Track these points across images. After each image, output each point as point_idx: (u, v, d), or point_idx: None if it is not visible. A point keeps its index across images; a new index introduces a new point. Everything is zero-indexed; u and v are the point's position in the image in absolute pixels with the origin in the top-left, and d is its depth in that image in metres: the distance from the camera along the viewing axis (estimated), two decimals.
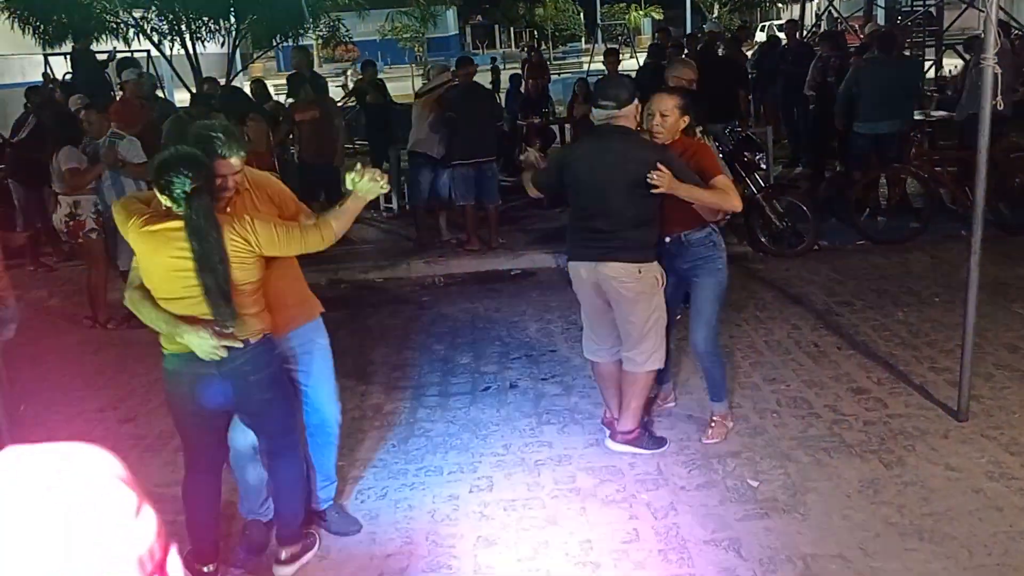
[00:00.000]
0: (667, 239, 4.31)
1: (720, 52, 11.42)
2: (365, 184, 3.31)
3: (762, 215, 7.73)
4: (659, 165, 3.89)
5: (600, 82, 4.69)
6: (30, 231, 8.46)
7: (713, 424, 4.54)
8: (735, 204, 4.13)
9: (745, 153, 7.82)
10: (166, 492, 4.06)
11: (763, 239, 7.79)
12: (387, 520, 3.98)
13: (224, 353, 3.13)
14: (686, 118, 4.24)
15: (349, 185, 3.34)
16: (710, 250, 4.35)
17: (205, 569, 3.50)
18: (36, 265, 8.65)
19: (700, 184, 4.05)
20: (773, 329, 6.05)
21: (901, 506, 3.82)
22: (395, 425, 4.97)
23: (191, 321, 3.11)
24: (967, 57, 9.82)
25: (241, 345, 3.17)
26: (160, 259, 3.08)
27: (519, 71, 14.24)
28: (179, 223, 3.00)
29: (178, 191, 2.94)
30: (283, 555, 3.62)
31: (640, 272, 4.10)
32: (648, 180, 3.88)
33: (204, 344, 3.09)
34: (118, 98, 9.23)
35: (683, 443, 4.50)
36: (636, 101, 4.12)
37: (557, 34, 45.61)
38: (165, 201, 3.00)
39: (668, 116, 4.19)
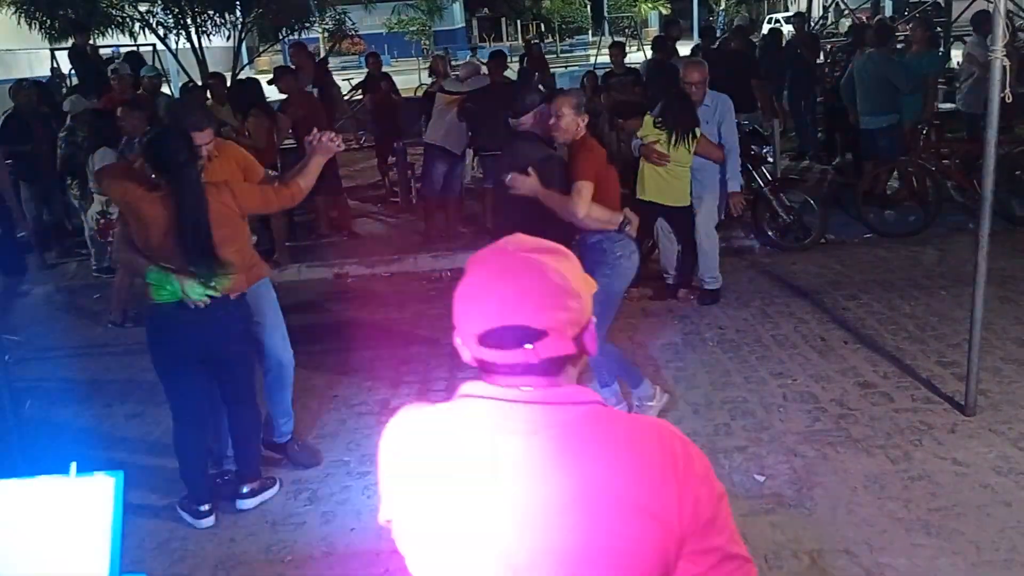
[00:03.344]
0: (574, 240, 4.38)
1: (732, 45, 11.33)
2: (322, 145, 3.86)
3: (769, 209, 7.70)
4: (530, 169, 4.08)
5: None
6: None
7: (639, 408, 4.60)
8: (571, 210, 4.14)
9: (752, 147, 7.80)
10: (175, 489, 4.10)
11: (770, 232, 7.76)
12: None
13: (207, 300, 3.62)
14: (584, 117, 4.26)
15: (308, 148, 3.92)
16: (599, 256, 4.35)
17: (201, 508, 3.96)
18: (40, 262, 8.62)
19: (563, 187, 4.19)
20: (779, 323, 6.03)
21: (908, 501, 3.81)
22: None
23: (180, 271, 3.59)
24: (968, 40, 9.73)
25: (219, 295, 3.66)
26: (157, 220, 3.54)
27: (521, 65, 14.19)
28: (168, 191, 3.53)
29: (166, 163, 3.50)
30: (245, 489, 4.11)
31: None
32: (506, 182, 4.09)
33: (194, 288, 3.58)
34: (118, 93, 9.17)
35: (688, 436, 4.48)
36: (538, 107, 4.35)
37: (564, 27, 45.51)
38: (154, 172, 3.53)
39: (563, 117, 4.24)
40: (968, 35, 12.97)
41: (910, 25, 10.72)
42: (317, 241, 8.81)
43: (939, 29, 14.53)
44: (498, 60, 8.67)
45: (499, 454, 1.26)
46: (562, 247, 1.35)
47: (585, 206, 4.12)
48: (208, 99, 8.89)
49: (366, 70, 11.82)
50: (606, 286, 4.38)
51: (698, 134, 6.00)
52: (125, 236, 3.74)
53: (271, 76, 8.72)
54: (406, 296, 7.38)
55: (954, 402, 4.65)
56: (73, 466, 1.51)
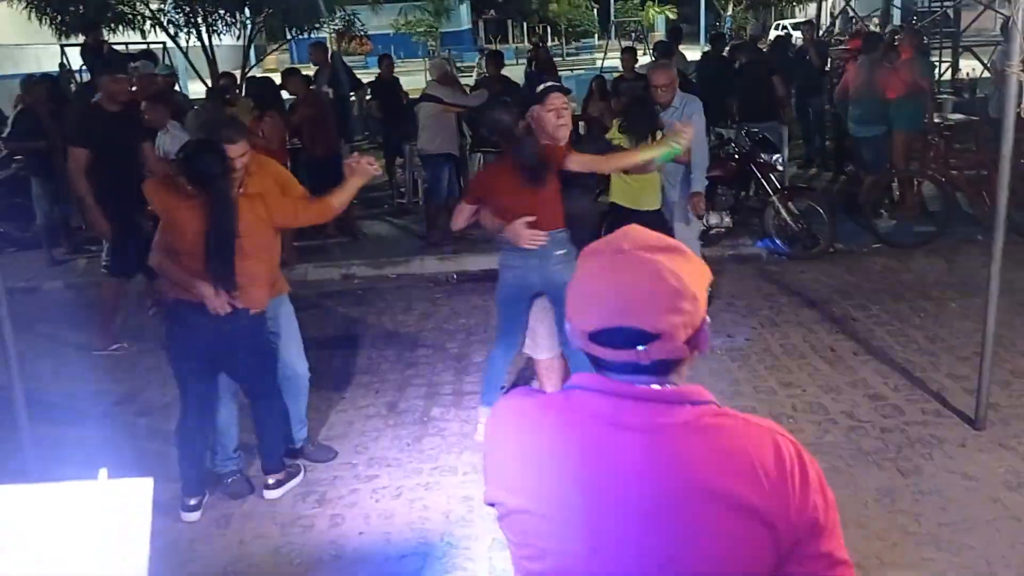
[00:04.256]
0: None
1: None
2: (362, 168, 4.01)
3: (777, 217, 7.70)
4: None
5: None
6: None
7: None
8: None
9: (761, 154, 7.80)
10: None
11: (778, 240, 7.75)
12: (402, 520, 3.98)
13: (228, 309, 3.76)
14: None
15: (346, 171, 4.07)
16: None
17: (190, 502, 4.06)
18: (49, 258, 8.62)
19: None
20: (788, 332, 6.02)
21: (918, 515, 3.81)
22: (409, 423, 4.97)
23: (203, 278, 3.76)
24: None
25: (241, 307, 3.81)
26: (190, 228, 3.73)
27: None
28: (203, 201, 3.70)
29: (201, 175, 3.67)
30: (271, 480, 4.23)
31: None
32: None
33: (215, 299, 3.73)
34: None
35: None
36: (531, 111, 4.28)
37: (570, 30, 45.51)
38: (189, 184, 3.70)
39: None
40: (976, 45, 13.01)
41: (898, 34, 10.73)
42: (325, 242, 8.82)
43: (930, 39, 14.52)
44: (496, 59, 8.72)
45: (611, 448, 1.26)
46: (680, 244, 1.33)
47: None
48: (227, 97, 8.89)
49: (376, 71, 11.79)
50: (499, 286, 4.52)
51: (650, 137, 5.93)
52: (161, 243, 3.90)
53: (280, 76, 8.74)
54: (412, 298, 7.38)
55: (964, 416, 4.65)
56: (103, 472, 1.51)
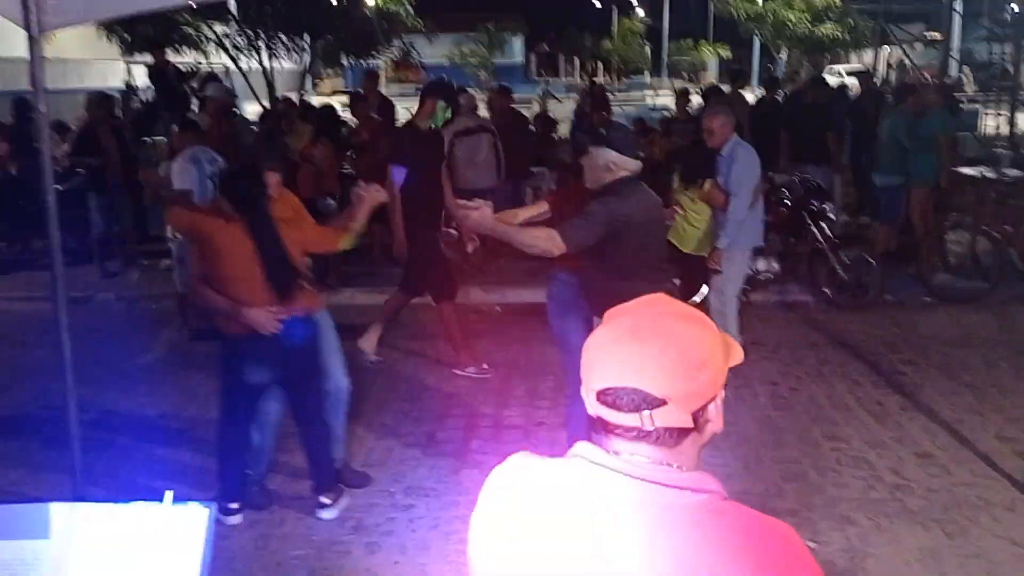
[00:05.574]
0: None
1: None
2: (369, 194, 4.19)
3: (827, 265, 7.63)
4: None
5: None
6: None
7: None
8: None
9: (813, 201, 7.75)
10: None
11: (827, 289, 7.68)
12: (438, 552, 3.98)
13: (279, 326, 3.86)
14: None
15: (354, 199, 4.26)
16: None
17: (231, 506, 4.15)
18: (102, 271, 8.79)
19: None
20: (834, 383, 5.94)
21: None
22: (447, 454, 4.98)
23: (248, 303, 3.85)
24: None
25: (289, 317, 3.90)
26: (239, 251, 3.83)
27: (578, 102, 14.24)
28: (241, 224, 3.82)
29: (242, 199, 3.82)
30: (325, 500, 4.29)
31: None
32: None
33: (263, 318, 3.84)
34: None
35: (740, 496, 4.43)
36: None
37: (622, 67, 45.72)
38: (228, 207, 3.83)
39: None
40: None
41: (927, 86, 10.64)
42: (370, 267, 8.90)
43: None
44: (504, 93, 9.45)
45: (601, 524, 1.23)
46: (706, 319, 1.31)
47: None
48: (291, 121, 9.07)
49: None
50: None
51: (704, 184, 5.91)
52: (202, 273, 4.01)
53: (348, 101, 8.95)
54: None
55: (1012, 479, 4.55)
56: (169, 494, 1.54)
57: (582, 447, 1.31)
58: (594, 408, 1.28)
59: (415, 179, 5.97)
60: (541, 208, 4.48)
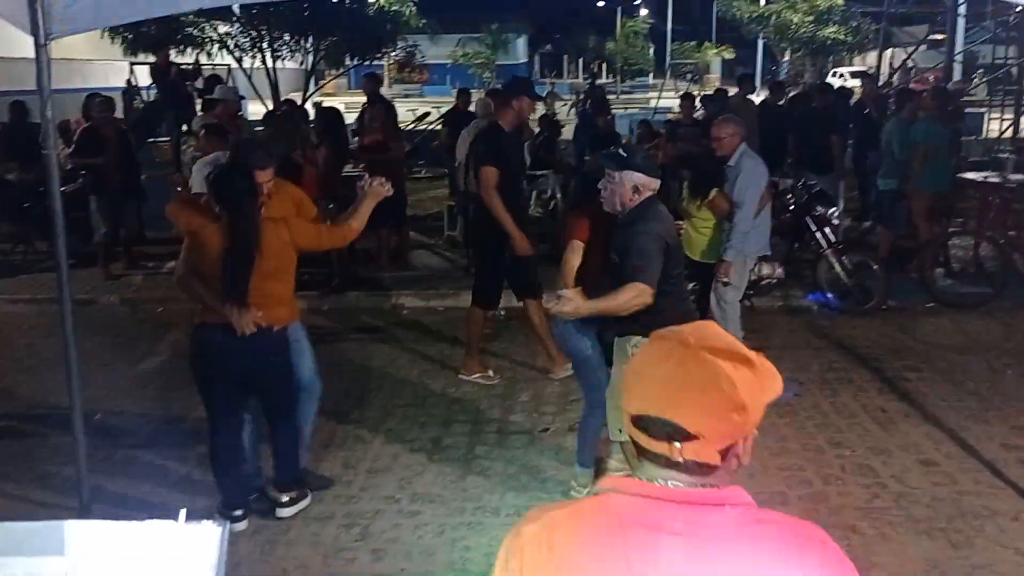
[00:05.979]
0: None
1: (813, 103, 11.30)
2: (373, 189, 4.18)
3: (831, 271, 7.63)
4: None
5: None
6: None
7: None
8: None
9: (817, 207, 7.75)
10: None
11: (830, 295, 7.68)
12: (443, 559, 3.99)
13: (253, 328, 3.85)
14: None
15: (359, 192, 4.25)
16: None
17: (236, 513, 4.15)
18: (106, 273, 8.79)
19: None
20: (838, 390, 5.94)
21: None
22: (453, 460, 4.99)
23: (223, 299, 3.85)
24: None
25: (265, 325, 3.90)
26: (214, 248, 3.84)
27: (577, 102, 14.23)
28: (227, 222, 3.82)
29: (229, 196, 3.81)
30: (284, 498, 4.32)
31: None
32: None
33: (242, 319, 3.82)
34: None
35: None
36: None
37: (625, 68, 45.74)
38: (217, 204, 3.82)
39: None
40: None
41: (924, 93, 10.63)
42: (375, 271, 8.91)
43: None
44: (464, 95, 10.19)
45: (653, 553, 1.23)
46: (751, 355, 1.30)
47: None
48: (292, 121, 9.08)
49: (430, 100, 11.99)
50: None
51: (709, 193, 5.86)
52: (187, 263, 4.03)
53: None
54: (459, 331, 7.38)
55: (1018, 488, 4.54)
56: (183, 513, 1.55)
57: (613, 481, 1.32)
58: (628, 428, 1.30)
59: (502, 181, 5.80)
60: (579, 249, 4.33)
